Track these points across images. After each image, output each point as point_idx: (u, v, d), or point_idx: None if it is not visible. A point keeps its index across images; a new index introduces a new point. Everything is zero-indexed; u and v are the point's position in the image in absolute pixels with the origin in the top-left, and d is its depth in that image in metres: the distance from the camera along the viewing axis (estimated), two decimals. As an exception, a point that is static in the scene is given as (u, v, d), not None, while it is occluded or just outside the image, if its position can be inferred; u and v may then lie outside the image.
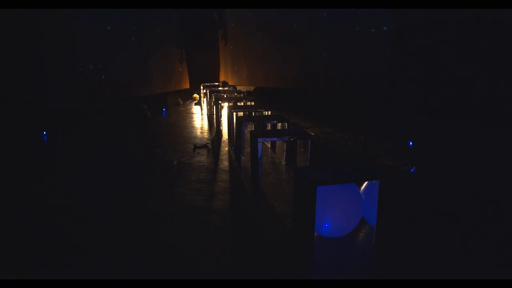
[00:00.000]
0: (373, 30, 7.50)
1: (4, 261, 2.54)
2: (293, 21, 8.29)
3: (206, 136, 5.63)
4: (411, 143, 5.05)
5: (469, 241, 2.75)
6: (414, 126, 5.94)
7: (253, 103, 5.69)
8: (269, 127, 4.73)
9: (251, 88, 9.07)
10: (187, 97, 8.66)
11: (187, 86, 8.92)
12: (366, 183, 2.86)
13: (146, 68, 7.99)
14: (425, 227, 2.95)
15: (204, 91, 7.41)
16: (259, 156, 3.64)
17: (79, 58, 6.69)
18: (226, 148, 5.05)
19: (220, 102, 5.81)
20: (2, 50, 5.52)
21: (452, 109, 5.83)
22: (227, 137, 5.42)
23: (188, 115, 7.29)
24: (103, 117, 6.66)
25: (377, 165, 3.23)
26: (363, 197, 2.83)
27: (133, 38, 7.65)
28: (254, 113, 5.15)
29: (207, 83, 7.83)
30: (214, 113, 6.22)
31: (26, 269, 2.45)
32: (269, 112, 5.07)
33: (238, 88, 7.71)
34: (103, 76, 7.14)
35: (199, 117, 7.11)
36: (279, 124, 4.61)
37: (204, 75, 8.31)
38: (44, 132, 5.59)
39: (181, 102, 8.31)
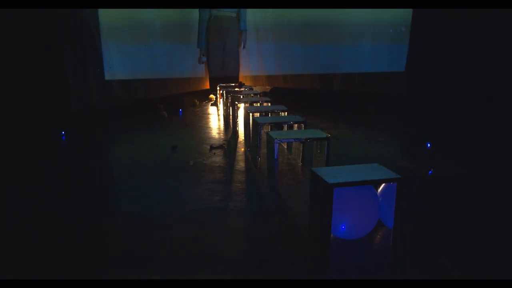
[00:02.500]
0: (391, 30, 7.43)
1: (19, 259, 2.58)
2: (310, 22, 8.26)
3: (222, 137, 5.65)
4: (429, 145, 4.99)
5: (486, 242, 2.71)
6: (432, 128, 5.87)
7: (269, 104, 5.69)
8: (285, 128, 4.72)
9: (268, 89, 9.05)
10: (204, 97, 8.69)
11: (205, 86, 8.93)
12: (383, 185, 2.84)
13: (163, 68, 8.02)
14: (441, 229, 2.92)
15: (221, 91, 7.43)
16: (275, 157, 3.63)
17: (96, 58, 6.75)
18: (243, 149, 5.06)
19: (236, 102, 5.82)
20: (19, 50, 5.60)
21: (472, 111, 5.74)
22: (243, 138, 5.42)
23: (205, 115, 7.32)
24: (119, 117, 6.72)
25: (394, 167, 3.20)
26: (380, 199, 2.81)
27: (151, 39, 7.69)
28: (271, 114, 5.15)
29: (228, 83, 7.85)
30: (231, 113, 6.23)
31: (40, 268, 2.48)
32: (286, 113, 5.07)
33: (254, 88, 7.71)
34: (120, 77, 7.19)
35: (215, 117, 7.14)
36: (296, 125, 4.60)
37: (224, 76, 8.34)
38: (63, 132, 5.66)
39: (198, 103, 8.34)
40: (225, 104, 6.96)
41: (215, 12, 8.09)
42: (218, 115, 7.35)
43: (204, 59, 8.41)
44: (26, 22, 5.56)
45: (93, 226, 3.05)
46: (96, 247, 2.73)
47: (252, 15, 8.52)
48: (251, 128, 4.93)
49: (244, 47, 8.51)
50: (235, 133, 5.73)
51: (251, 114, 4.93)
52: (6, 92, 5.48)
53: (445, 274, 2.38)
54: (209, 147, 5.06)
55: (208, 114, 7.47)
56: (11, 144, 5.11)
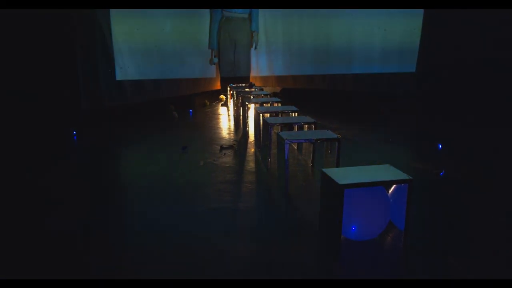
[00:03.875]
0: (402, 31, 7.40)
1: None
2: (320, 22, 8.24)
3: (232, 137, 5.65)
4: (440, 146, 4.96)
5: (497, 244, 2.69)
6: (444, 129, 5.84)
7: (279, 105, 5.69)
8: (296, 128, 4.71)
9: (278, 90, 9.05)
10: (214, 98, 8.71)
11: (215, 87, 8.95)
12: (394, 186, 2.82)
13: (174, 69, 8.05)
14: (452, 231, 2.90)
15: (231, 92, 7.45)
16: (285, 157, 3.63)
17: (108, 58, 6.79)
18: (253, 150, 5.06)
19: (246, 103, 5.83)
20: (31, 51, 5.65)
21: (482, 111, 5.70)
22: (253, 139, 5.43)
23: (215, 116, 7.33)
24: (130, 117, 6.75)
25: (405, 168, 3.18)
26: (391, 200, 2.79)
27: (162, 40, 7.72)
28: (281, 115, 5.14)
29: (238, 84, 7.87)
30: (241, 114, 6.24)
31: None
32: (296, 113, 5.06)
33: (264, 89, 7.71)
34: (131, 77, 7.23)
35: (225, 118, 7.15)
36: (306, 126, 4.60)
37: (235, 76, 8.35)
38: (74, 132, 5.71)
39: (208, 103, 8.36)
40: (235, 105, 6.97)
41: (227, 13, 8.11)
42: (229, 115, 7.36)
43: (216, 60, 8.43)
44: (38, 23, 5.61)
45: (100, 225, 3.07)
46: (101, 246, 2.75)
47: (262, 16, 8.52)
48: (261, 129, 4.93)
49: (255, 47, 8.52)
50: (246, 133, 5.73)
51: (261, 114, 4.93)
52: (18, 92, 5.54)
53: (454, 275, 2.36)
54: (219, 147, 5.07)
55: (219, 114, 7.49)
56: (22, 144, 5.16)
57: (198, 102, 8.31)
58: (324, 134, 3.92)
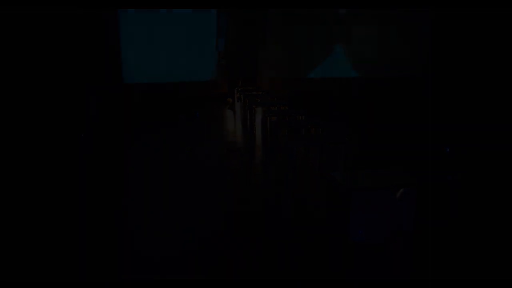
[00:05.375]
0: (413, 34, 7.39)
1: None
2: (328, 24, 8.24)
3: (239, 140, 5.65)
4: (448, 149, 4.93)
5: (505, 246, 2.67)
6: (452, 132, 5.80)
7: (286, 108, 5.68)
8: (303, 131, 4.70)
9: (285, 93, 9.04)
10: (222, 100, 8.72)
11: (223, 90, 8.96)
12: (402, 189, 2.81)
13: (181, 71, 8.07)
14: (461, 234, 2.88)
15: (238, 95, 7.44)
16: (293, 160, 3.63)
17: (115, 61, 6.82)
18: (260, 152, 5.05)
19: (253, 106, 5.82)
20: (37, 52, 5.67)
21: (491, 113, 5.66)
22: (260, 141, 5.42)
23: (222, 118, 7.33)
24: (137, 119, 6.77)
25: (413, 172, 3.16)
26: (399, 204, 2.78)
27: (170, 42, 7.75)
28: (288, 118, 5.13)
29: (246, 86, 7.86)
30: (248, 117, 6.23)
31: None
32: (303, 117, 5.05)
33: (272, 92, 7.70)
34: (138, 80, 7.26)
35: (232, 121, 7.15)
36: (313, 129, 4.58)
37: (242, 78, 8.36)
38: (82, 135, 5.72)
39: (215, 106, 8.37)
40: (242, 108, 6.96)
41: (235, 14, 8.12)
42: (235, 118, 7.36)
43: (223, 62, 8.44)
44: (46, 26, 5.63)
45: (103, 227, 3.09)
46: (107, 247, 2.76)
47: (270, 18, 8.53)
48: (268, 132, 4.92)
49: (263, 49, 8.53)
50: (253, 136, 5.72)
51: (268, 117, 4.92)
52: (25, 94, 5.57)
53: (461, 276, 2.35)
54: (226, 150, 5.06)
55: (226, 117, 7.49)
56: (31, 146, 5.18)
57: (206, 104, 8.31)
58: (332, 137, 3.92)
